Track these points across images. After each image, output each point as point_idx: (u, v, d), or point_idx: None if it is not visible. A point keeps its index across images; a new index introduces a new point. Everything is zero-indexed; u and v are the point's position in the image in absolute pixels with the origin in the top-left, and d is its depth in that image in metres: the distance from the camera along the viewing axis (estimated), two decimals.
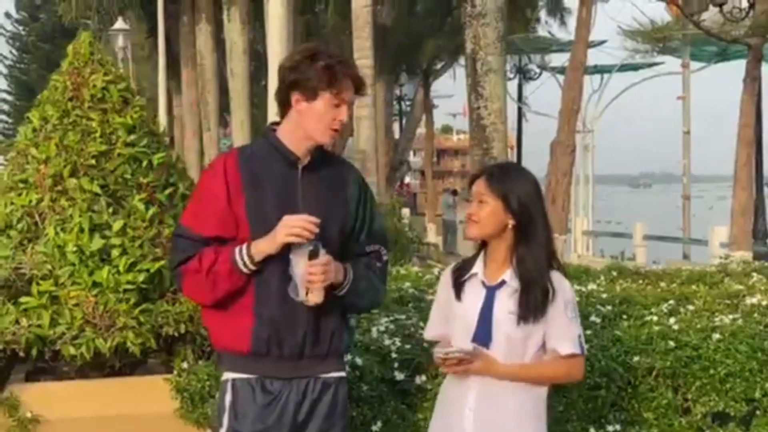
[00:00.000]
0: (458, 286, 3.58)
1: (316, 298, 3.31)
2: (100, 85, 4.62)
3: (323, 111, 3.39)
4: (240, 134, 22.16)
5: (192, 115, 26.56)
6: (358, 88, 3.48)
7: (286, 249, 3.30)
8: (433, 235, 25.54)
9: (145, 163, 4.55)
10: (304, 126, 3.41)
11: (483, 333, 3.47)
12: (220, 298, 3.37)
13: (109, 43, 26.81)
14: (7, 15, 67.59)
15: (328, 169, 3.52)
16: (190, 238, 3.40)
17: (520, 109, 29.41)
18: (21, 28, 67.09)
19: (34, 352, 4.31)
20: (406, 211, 24.64)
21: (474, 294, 3.54)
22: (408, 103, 39.99)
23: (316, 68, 3.37)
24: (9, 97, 67.87)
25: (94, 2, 26.99)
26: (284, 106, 3.48)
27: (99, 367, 4.55)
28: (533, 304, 3.43)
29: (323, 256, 3.28)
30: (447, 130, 73.69)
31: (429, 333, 3.74)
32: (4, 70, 68.06)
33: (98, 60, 4.70)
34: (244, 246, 3.32)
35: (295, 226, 3.25)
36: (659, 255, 19.08)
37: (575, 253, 21.41)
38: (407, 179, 51.59)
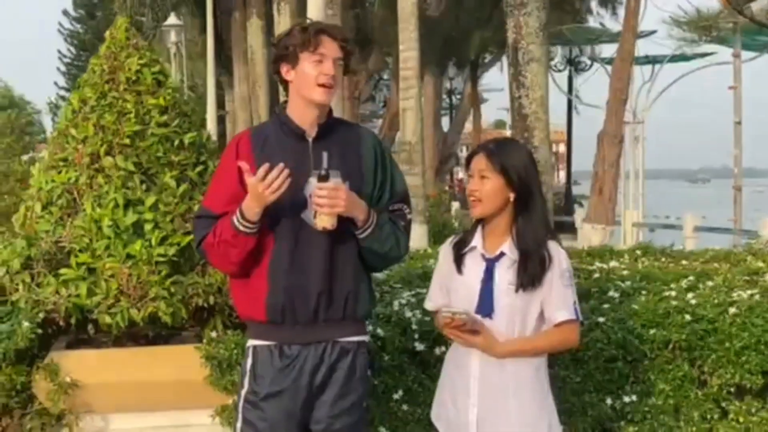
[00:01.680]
0: (459, 260, 3.71)
1: (324, 222, 3.41)
2: (135, 68, 4.83)
3: (308, 70, 3.53)
4: None
5: (243, 109, 26.90)
6: (341, 44, 3.58)
7: (298, 214, 3.48)
8: None
9: (176, 142, 4.75)
10: (299, 92, 3.57)
11: (485, 304, 3.60)
12: (238, 262, 3.52)
13: (162, 39, 27.28)
14: (65, 13, 68.69)
15: (339, 138, 3.64)
16: (206, 217, 3.61)
17: (570, 101, 29.31)
18: (79, 26, 68.08)
19: (73, 320, 4.54)
20: (455, 205, 24.71)
21: (474, 266, 3.66)
22: (458, 96, 40.05)
23: (291, 35, 3.57)
24: (67, 94, 68.82)
25: None
26: (284, 85, 3.65)
27: (134, 338, 4.77)
28: (531, 272, 3.56)
29: (333, 182, 3.39)
30: (500, 125, 73.37)
31: (430, 303, 3.87)
32: (63, 68, 69.11)
33: (134, 44, 4.92)
34: (237, 210, 3.45)
35: (271, 183, 3.33)
36: (710, 247, 18.86)
37: (624, 246, 21.27)
38: (460, 175, 51.49)
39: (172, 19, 25.70)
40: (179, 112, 4.86)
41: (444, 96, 37.48)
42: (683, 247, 18.36)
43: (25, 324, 4.44)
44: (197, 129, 4.89)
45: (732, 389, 4.79)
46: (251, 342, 3.66)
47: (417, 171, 15.60)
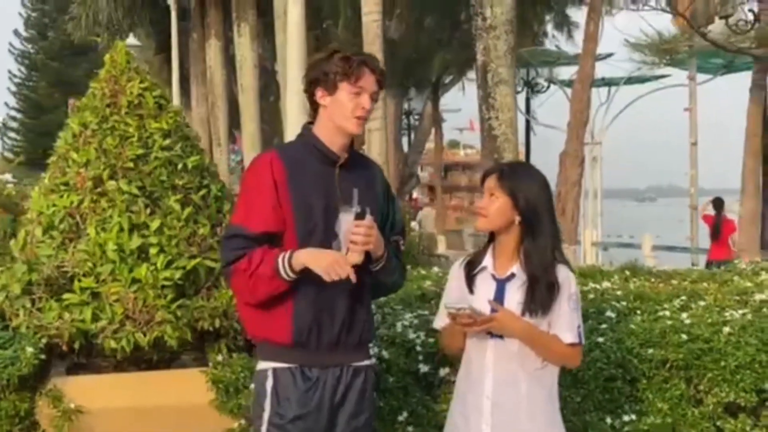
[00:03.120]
0: (470, 280, 3.75)
1: (355, 258, 3.46)
2: (137, 92, 4.85)
3: (345, 100, 3.57)
4: (250, 148, 22.35)
5: (203, 130, 26.77)
6: (378, 78, 3.65)
7: (326, 241, 3.52)
8: (443, 247, 25.68)
9: (180, 165, 4.76)
10: (332, 119, 3.60)
11: None
12: (261, 300, 3.52)
13: None
14: (16, 33, 67.92)
15: (361, 168, 3.73)
16: (241, 236, 3.52)
17: (528, 122, 29.53)
18: (30, 46, 67.39)
19: (76, 345, 4.51)
20: (414, 224, 24.80)
21: (485, 286, 3.70)
22: (416, 117, 40.22)
23: (333, 62, 3.59)
24: (18, 115, 68.04)
25: (104, 20, 27.32)
26: (313, 106, 3.68)
27: (135, 362, 4.75)
28: (539, 298, 3.60)
29: (368, 220, 3.45)
30: (454, 145, 73.69)
31: (439, 323, 3.89)
32: (13, 88, 68.30)
33: (134, 68, 4.93)
34: (287, 254, 3.46)
35: (337, 269, 3.39)
36: (667, 266, 19.11)
37: (585, 265, 21.47)
38: (414, 194, 51.66)
39: (131, 40, 25.55)
40: (181, 136, 4.88)
41: (402, 116, 37.64)
42: (642, 266, 18.56)
43: (29, 350, 4.41)
44: (199, 152, 4.90)
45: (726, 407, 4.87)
46: (269, 364, 3.63)
47: None
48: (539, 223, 3.67)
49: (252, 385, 3.90)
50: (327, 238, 3.53)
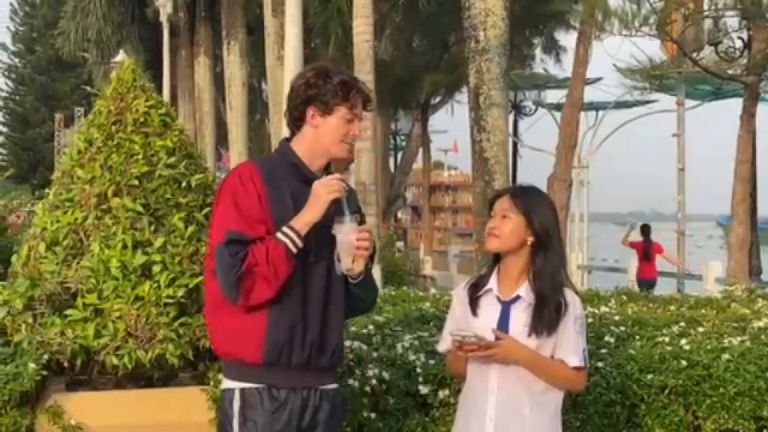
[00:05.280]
0: (474, 302, 3.75)
1: (361, 265, 3.46)
2: (142, 110, 4.85)
3: (338, 125, 3.56)
4: None
5: None
6: (366, 104, 3.66)
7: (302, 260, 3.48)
8: (429, 269, 25.72)
9: (184, 183, 4.76)
10: (319, 141, 3.57)
11: None
12: (282, 283, 3.42)
13: (106, 76, 27.08)
14: (3, 47, 67.89)
15: None
16: (241, 242, 3.40)
17: (515, 144, 29.73)
18: (17, 60, 67.34)
19: (78, 362, 4.50)
20: (400, 245, 24.87)
21: (490, 309, 3.70)
22: (403, 137, 40.28)
23: (332, 84, 3.56)
24: (4, 129, 67.92)
25: (93, 35, 27.30)
26: (298, 122, 3.62)
27: (134, 379, 4.73)
28: (547, 318, 3.61)
29: (368, 225, 3.48)
30: (438, 166, 73.88)
31: (443, 346, 3.88)
32: (0, 102, 68.15)
33: (140, 86, 4.93)
34: (284, 228, 3.41)
35: (331, 184, 3.41)
36: (654, 291, 19.23)
37: (581, 288, 21.48)
38: (399, 214, 51.70)
39: (120, 56, 25.55)
40: (186, 154, 4.89)
41: (389, 137, 37.71)
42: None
43: (31, 366, 4.40)
44: (203, 171, 4.91)
45: None
46: (237, 384, 3.57)
47: (372, 212, 15.61)
48: (551, 243, 3.70)
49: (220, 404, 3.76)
50: (304, 256, 3.47)
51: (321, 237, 3.48)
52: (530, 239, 3.68)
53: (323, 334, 3.57)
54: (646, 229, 19.21)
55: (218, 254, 3.46)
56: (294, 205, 3.48)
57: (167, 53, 23.77)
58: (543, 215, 3.71)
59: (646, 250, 18.88)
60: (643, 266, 18.82)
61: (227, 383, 3.61)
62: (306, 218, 3.43)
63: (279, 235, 3.42)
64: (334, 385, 3.70)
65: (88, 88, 37.50)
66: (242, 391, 3.56)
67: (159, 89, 25.41)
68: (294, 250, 3.42)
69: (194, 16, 25.98)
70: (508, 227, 3.68)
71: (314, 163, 3.61)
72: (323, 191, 3.43)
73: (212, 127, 25.37)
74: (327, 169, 3.65)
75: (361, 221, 3.47)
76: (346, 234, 3.44)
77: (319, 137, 3.59)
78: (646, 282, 17.52)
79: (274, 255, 3.39)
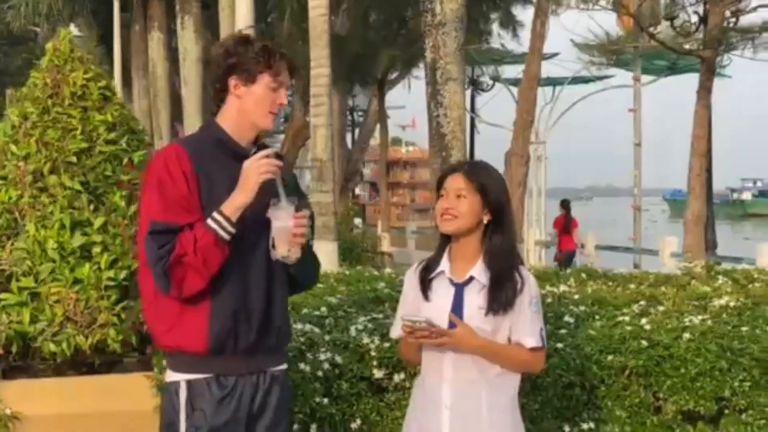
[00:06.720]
0: (425, 286, 3.62)
1: (297, 253, 3.30)
2: (81, 83, 4.61)
3: (263, 94, 3.38)
4: None
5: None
6: (293, 71, 3.48)
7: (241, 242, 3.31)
8: (387, 245, 25.61)
9: (125, 160, 4.56)
10: (245, 112, 3.39)
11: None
12: (214, 273, 3.27)
13: None
14: None
15: None
16: (168, 231, 3.25)
17: (472, 120, 29.68)
18: None
19: (14, 348, 4.29)
20: (357, 221, 24.73)
21: (442, 292, 3.58)
22: (361, 113, 40.07)
23: (253, 51, 3.38)
24: None
25: (44, 9, 26.81)
26: (221, 94, 3.43)
27: (76, 366, 4.53)
28: (503, 296, 3.50)
29: (304, 211, 3.29)
30: (396, 142, 73.81)
31: (396, 332, 3.74)
32: None
33: (78, 57, 4.69)
34: (214, 213, 3.23)
35: (261, 164, 3.22)
36: (610, 265, 19.31)
37: (529, 264, 21.56)
38: (357, 191, 51.58)
39: (73, 31, 25.07)
40: (127, 129, 4.67)
41: (347, 113, 37.50)
42: (588, 264, 18.82)
43: None
44: (146, 147, 4.69)
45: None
46: (183, 376, 3.41)
47: (328, 188, 15.46)
48: (505, 220, 3.59)
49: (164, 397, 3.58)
50: (241, 239, 3.30)
51: (259, 218, 3.29)
52: (486, 217, 3.55)
53: (268, 315, 3.42)
54: (566, 204, 20.72)
55: (144, 246, 3.30)
56: (228, 184, 3.29)
57: (118, 27, 23.32)
58: (498, 192, 3.59)
59: (566, 224, 20.52)
60: (564, 239, 20.48)
61: (173, 375, 3.45)
62: (236, 203, 3.24)
63: (209, 221, 3.24)
64: (283, 366, 3.56)
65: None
66: (189, 382, 3.41)
67: (111, 64, 25.05)
68: (226, 236, 3.24)
69: None
70: (464, 207, 3.54)
71: (243, 137, 3.42)
72: (253, 174, 3.23)
73: (168, 102, 25.01)
74: (256, 143, 3.47)
75: (301, 202, 3.27)
76: (283, 220, 3.25)
77: (244, 108, 3.39)
78: (567, 253, 20.09)
79: (203, 244, 3.22)
